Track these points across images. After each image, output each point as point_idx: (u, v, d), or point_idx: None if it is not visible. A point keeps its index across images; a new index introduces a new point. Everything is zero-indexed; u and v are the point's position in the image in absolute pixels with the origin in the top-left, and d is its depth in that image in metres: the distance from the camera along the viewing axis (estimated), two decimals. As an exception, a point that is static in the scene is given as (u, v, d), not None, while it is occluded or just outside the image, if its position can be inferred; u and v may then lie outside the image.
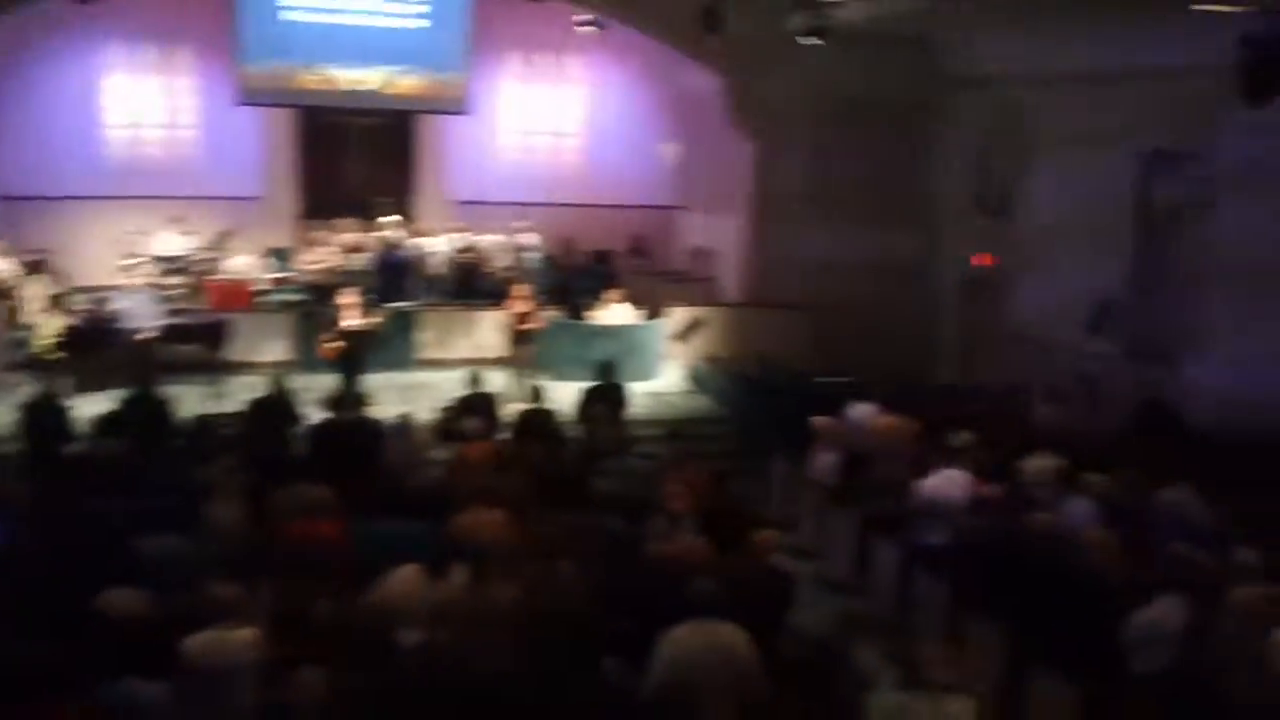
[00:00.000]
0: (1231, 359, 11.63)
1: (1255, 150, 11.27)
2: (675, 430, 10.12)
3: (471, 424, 9.27)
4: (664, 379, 14.78)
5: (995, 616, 7.25)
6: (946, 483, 8.71)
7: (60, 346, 12.50)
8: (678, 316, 15.58)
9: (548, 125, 19.30)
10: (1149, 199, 13.15)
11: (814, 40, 13.15)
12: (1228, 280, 11.81)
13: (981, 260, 16.00)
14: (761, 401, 13.34)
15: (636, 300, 14.98)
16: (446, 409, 10.43)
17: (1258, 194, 11.41)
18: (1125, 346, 13.18)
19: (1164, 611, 6.18)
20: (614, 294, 14.70)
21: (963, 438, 9.35)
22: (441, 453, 8.99)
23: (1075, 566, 7.02)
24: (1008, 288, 15.39)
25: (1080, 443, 10.56)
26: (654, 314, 15.05)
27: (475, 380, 10.60)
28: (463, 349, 14.66)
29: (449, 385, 11.84)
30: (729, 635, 5.42)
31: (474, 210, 17.66)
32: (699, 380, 14.99)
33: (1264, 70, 8.37)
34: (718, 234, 18.29)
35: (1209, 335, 12.03)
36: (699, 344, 15.58)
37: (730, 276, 17.93)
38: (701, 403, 14.33)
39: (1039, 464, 8.86)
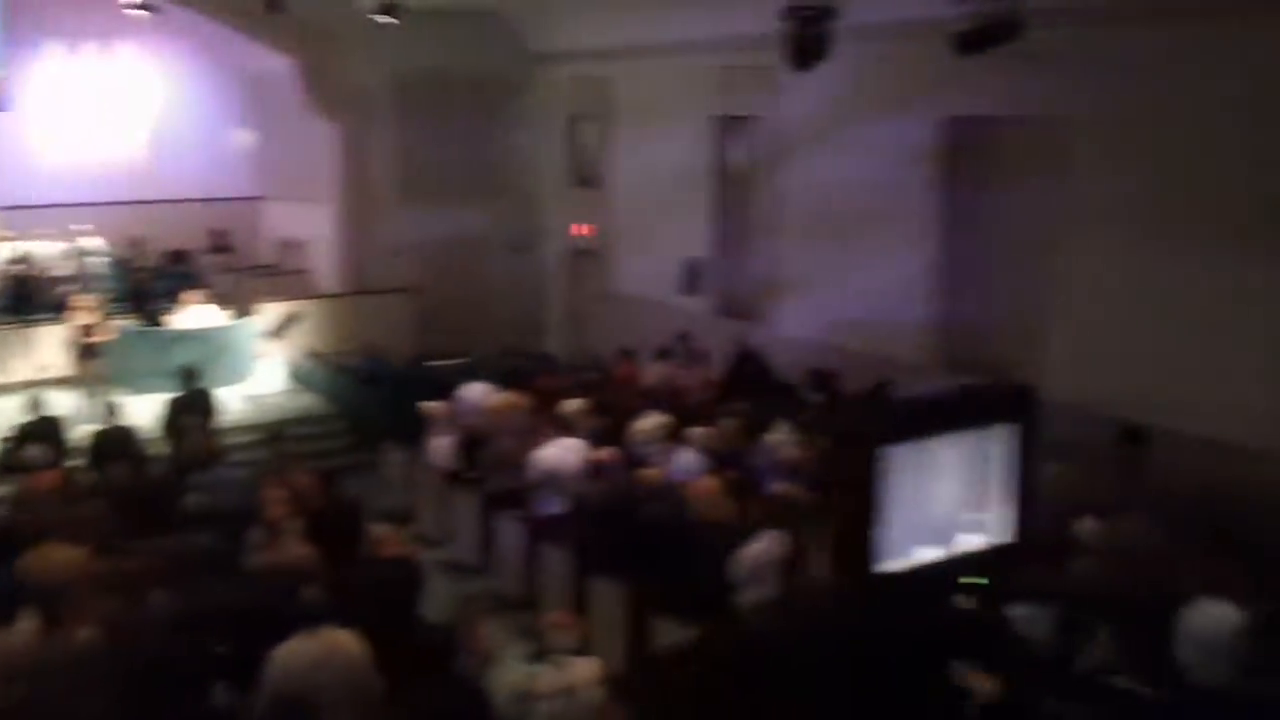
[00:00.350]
0: (807, 304, 12.62)
1: (810, 111, 12.23)
2: (276, 433, 9.61)
3: (34, 453, 8.46)
4: (261, 380, 13.97)
5: (616, 575, 7.41)
6: (562, 452, 8.84)
7: None
8: (271, 313, 14.73)
9: (103, 118, 17.58)
10: (723, 163, 14.00)
11: (388, 19, 12.81)
12: (797, 234, 12.78)
13: (580, 231, 16.40)
14: (370, 393, 12.94)
15: (222, 299, 14.11)
16: (4, 439, 9.55)
17: (815, 152, 12.41)
18: (715, 304, 13.99)
19: (763, 548, 6.56)
20: (194, 295, 13.80)
21: (574, 406, 9.52)
22: (1, 488, 7.92)
23: (683, 517, 7.31)
24: (608, 256, 15.89)
25: (685, 399, 11.11)
26: (243, 312, 14.19)
27: (36, 404, 9.89)
28: (20, 371, 13.29)
29: (6, 412, 10.85)
30: (339, 641, 5.18)
31: (22, 215, 15.79)
32: (300, 377, 14.28)
33: (804, 39, 9.10)
34: (308, 223, 17.51)
35: (786, 285, 12.99)
36: (298, 340, 14.84)
37: (326, 266, 17.22)
38: (305, 401, 13.71)
39: (647, 424, 9.19)
